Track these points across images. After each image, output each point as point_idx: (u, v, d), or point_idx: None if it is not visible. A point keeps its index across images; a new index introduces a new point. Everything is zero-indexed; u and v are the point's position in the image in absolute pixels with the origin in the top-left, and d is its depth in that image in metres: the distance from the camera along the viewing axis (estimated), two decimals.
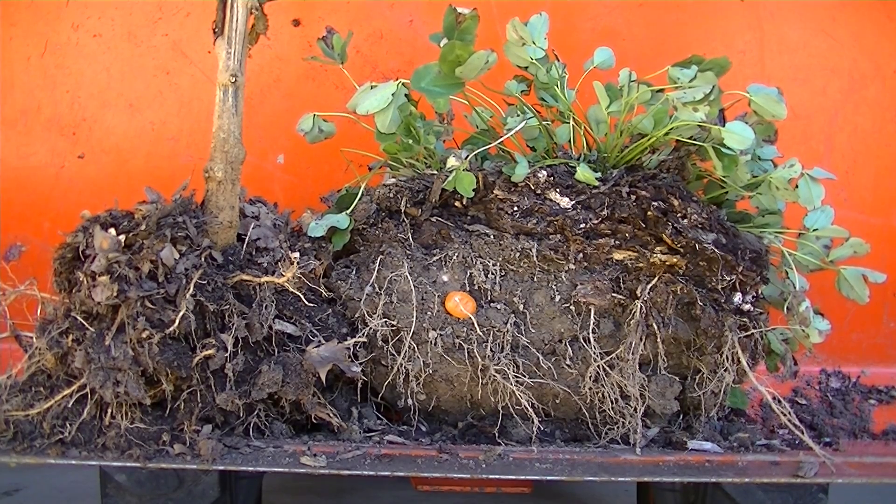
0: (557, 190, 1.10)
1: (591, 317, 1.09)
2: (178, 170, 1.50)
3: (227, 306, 1.04)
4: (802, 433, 1.07)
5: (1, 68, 1.51)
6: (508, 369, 1.09)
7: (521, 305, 1.10)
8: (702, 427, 1.17)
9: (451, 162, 1.13)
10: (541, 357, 1.11)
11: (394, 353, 1.11)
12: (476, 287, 1.11)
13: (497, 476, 1.00)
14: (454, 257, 1.11)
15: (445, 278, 1.11)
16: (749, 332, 1.12)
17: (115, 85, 1.52)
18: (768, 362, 1.25)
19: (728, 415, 1.26)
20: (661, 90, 1.11)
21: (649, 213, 1.08)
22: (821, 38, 1.53)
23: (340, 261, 1.17)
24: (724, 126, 1.07)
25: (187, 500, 1.15)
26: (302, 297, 1.08)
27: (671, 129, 1.09)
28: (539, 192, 1.10)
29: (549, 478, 1.00)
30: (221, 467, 1.01)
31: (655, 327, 1.09)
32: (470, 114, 1.23)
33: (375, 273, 1.12)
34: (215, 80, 1.08)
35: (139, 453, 1.00)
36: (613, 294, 1.10)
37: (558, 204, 1.10)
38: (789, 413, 1.07)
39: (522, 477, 1.00)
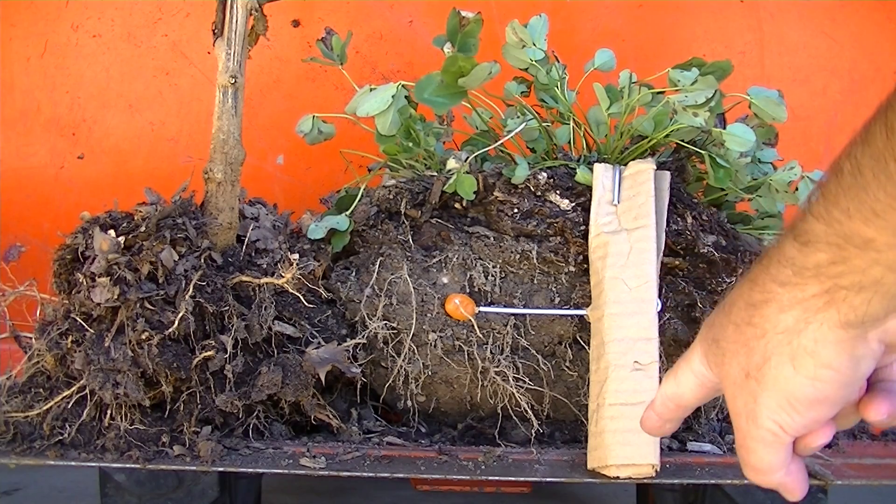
0: (557, 192, 1.10)
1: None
2: (177, 170, 1.49)
3: (227, 308, 1.04)
4: None
5: (0, 69, 1.51)
6: (508, 371, 1.09)
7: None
8: (701, 428, 1.17)
9: (451, 164, 1.13)
10: (541, 359, 1.11)
11: (393, 354, 1.11)
12: (476, 289, 1.11)
13: (496, 477, 1.00)
14: (454, 259, 1.11)
15: (445, 280, 1.11)
16: None
17: (115, 85, 1.52)
18: None
19: (727, 416, 1.26)
20: (662, 92, 1.11)
21: None
22: (821, 38, 1.53)
23: (340, 262, 1.17)
24: (724, 129, 1.07)
25: (187, 499, 1.15)
26: (301, 298, 1.08)
27: (671, 131, 1.09)
28: (539, 193, 1.10)
29: (548, 479, 1.00)
30: (221, 469, 1.01)
31: None
32: (469, 115, 1.23)
33: (375, 275, 1.11)
34: (215, 81, 1.08)
35: (139, 455, 1.00)
36: None
37: (558, 206, 1.10)
38: None
39: (522, 479, 1.00)
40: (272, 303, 1.07)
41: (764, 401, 0.54)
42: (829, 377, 0.52)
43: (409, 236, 1.13)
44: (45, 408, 1.02)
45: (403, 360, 1.10)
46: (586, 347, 1.09)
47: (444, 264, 1.12)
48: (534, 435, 1.10)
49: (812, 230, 0.50)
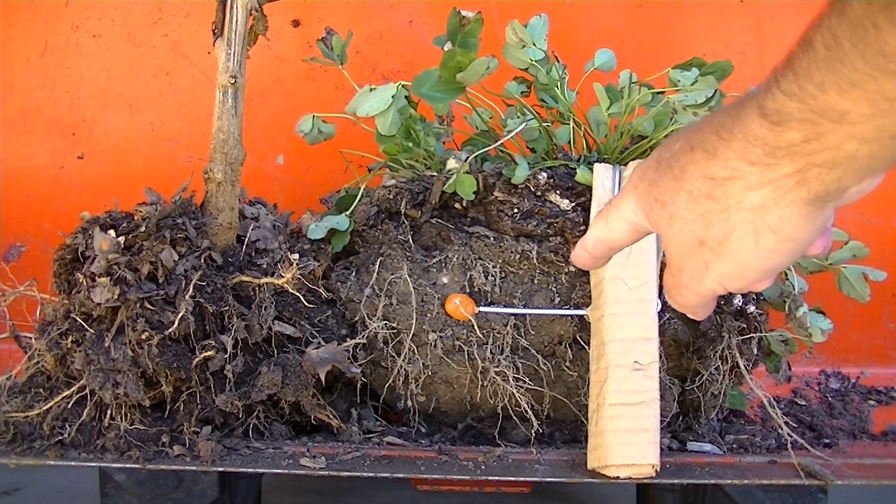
0: (557, 192, 1.10)
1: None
2: (177, 170, 1.50)
3: (227, 308, 1.04)
4: (794, 437, 1.07)
5: (0, 69, 1.51)
6: (508, 371, 1.09)
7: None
8: (701, 428, 1.17)
9: (451, 164, 1.13)
10: (540, 359, 1.11)
11: (394, 354, 1.11)
12: (476, 289, 1.11)
13: (496, 477, 1.00)
14: (454, 259, 1.11)
15: (445, 280, 1.11)
16: (749, 335, 1.13)
17: (115, 85, 1.52)
18: (768, 363, 1.25)
19: (727, 416, 1.26)
20: (662, 92, 1.11)
21: None
22: None
23: (340, 262, 1.17)
24: None
25: (187, 499, 1.15)
26: (301, 298, 1.08)
27: (671, 131, 1.09)
28: (539, 193, 1.10)
29: (548, 479, 1.00)
30: (221, 469, 1.01)
31: None
32: (469, 115, 1.23)
33: (375, 275, 1.11)
34: (215, 81, 1.08)
35: (139, 455, 1.00)
36: None
37: (558, 206, 1.10)
38: (783, 417, 1.08)
39: (522, 479, 1.00)
40: (272, 303, 1.07)
41: (716, 267, 0.57)
42: (789, 249, 0.54)
43: (409, 236, 1.14)
44: (45, 408, 1.01)
45: (403, 360, 1.10)
46: (586, 347, 1.09)
47: (444, 264, 1.12)
48: (534, 435, 1.10)
49: (784, 109, 0.50)
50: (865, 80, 0.46)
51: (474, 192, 1.10)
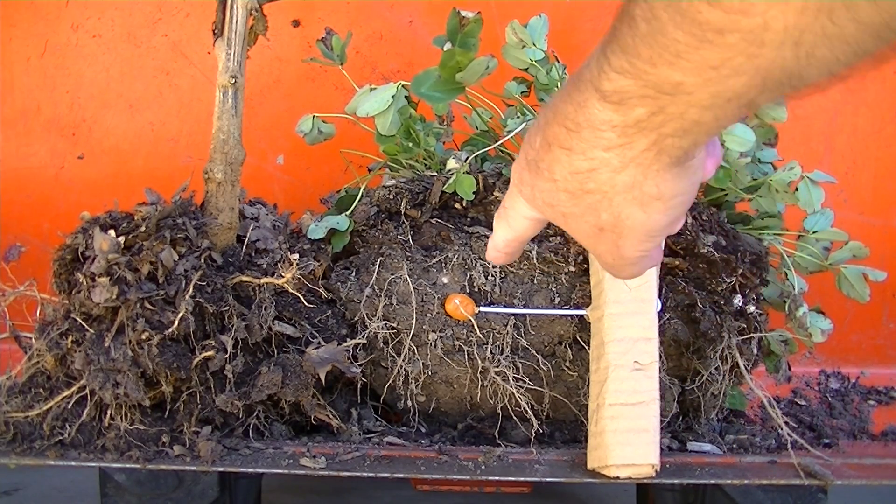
0: None
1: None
2: (177, 171, 1.50)
3: (227, 308, 1.04)
4: (794, 437, 1.07)
5: (0, 69, 1.51)
6: (508, 371, 1.09)
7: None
8: (701, 428, 1.17)
9: (451, 164, 1.13)
10: (540, 359, 1.11)
11: (394, 354, 1.11)
12: (476, 289, 1.11)
13: (496, 477, 1.00)
14: (454, 259, 1.11)
15: (445, 280, 1.11)
16: (749, 335, 1.13)
17: (115, 86, 1.52)
18: (768, 363, 1.25)
19: (727, 416, 1.26)
20: None
21: None
22: None
23: (340, 262, 1.17)
24: None
25: (187, 499, 1.15)
26: (301, 298, 1.08)
27: None
28: None
29: (548, 480, 1.00)
30: (221, 469, 1.01)
31: None
32: (469, 115, 1.23)
33: (375, 275, 1.11)
34: (215, 81, 1.08)
35: (139, 455, 1.00)
36: None
37: None
38: (783, 417, 1.08)
39: (522, 479, 1.00)
40: (272, 303, 1.07)
41: (625, 243, 0.59)
42: (680, 202, 0.56)
43: (409, 236, 1.13)
44: (45, 408, 1.01)
45: (403, 360, 1.10)
46: (586, 347, 1.09)
47: (444, 264, 1.12)
48: (534, 435, 1.10)
49: (622, 88, 0.50)
50: (688, 51, 0.46)
51: (474, 192, 1.10)
